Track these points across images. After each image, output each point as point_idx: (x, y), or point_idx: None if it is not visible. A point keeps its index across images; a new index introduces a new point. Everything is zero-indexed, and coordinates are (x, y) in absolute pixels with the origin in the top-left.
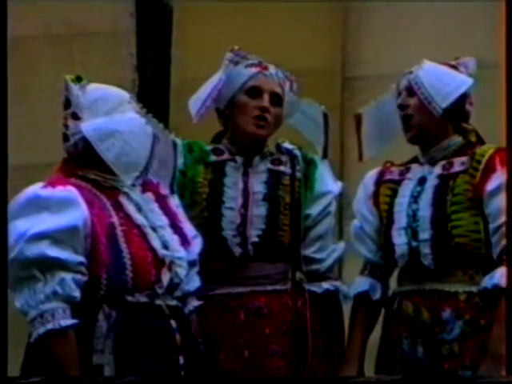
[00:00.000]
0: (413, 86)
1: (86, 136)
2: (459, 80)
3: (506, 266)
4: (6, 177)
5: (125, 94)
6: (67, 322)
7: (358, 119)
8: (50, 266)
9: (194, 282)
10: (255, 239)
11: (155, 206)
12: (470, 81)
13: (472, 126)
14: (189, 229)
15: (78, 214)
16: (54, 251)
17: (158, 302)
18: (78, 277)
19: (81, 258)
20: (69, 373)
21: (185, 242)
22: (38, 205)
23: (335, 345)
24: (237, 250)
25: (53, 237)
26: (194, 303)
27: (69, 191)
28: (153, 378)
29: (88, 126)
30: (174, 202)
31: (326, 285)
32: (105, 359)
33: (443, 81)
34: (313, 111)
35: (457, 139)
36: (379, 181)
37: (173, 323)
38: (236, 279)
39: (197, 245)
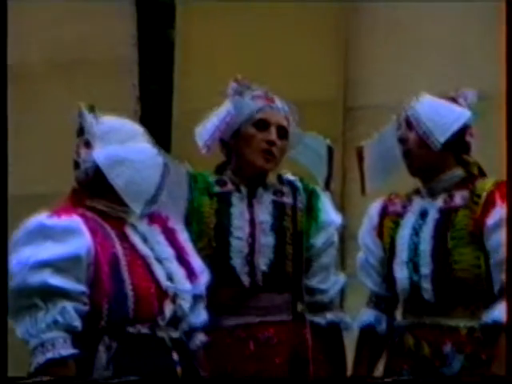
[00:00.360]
0: (411, 120)
1: (97, 163)
2: (457, 113)
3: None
4: (6, 202)
5: (139, 127)
6: (67, 351)
7: (360, 152)
8: (51, 294)
9: (201, 316)
10: (264, 268)
11: (162, 238)
12: (467, 113)
13: (473, 158)
14: (197, 262)
15: (82, 243)
16: (56, 280)
17: (161, 333)
18: (80, 306)
19: (83, 288)
20: None
21: (191, 275)
22: (42, 233)
23: (337, 375)
24: (246, 279)
25: (55, 265)
26: (200, 338)
27: (73, 220)
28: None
29: (100, 153)
30: (183, 235)
31: (330, 316)
32: None
33: (441, 114)
34: (317, 144)
35: (458, 171)
36: (383, 212)
37: (175, 356)
38: (245, 309)
39: (204, 279)
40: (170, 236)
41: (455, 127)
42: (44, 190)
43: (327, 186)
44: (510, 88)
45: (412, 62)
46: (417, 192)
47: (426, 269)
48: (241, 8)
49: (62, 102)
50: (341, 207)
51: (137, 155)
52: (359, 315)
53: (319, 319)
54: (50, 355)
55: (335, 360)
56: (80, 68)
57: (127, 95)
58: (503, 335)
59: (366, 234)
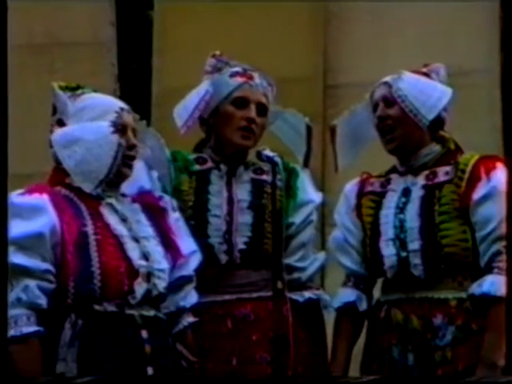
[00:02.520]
0: (395, 98)
1: (53, 143)
2: (440, 91)
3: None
4: (5, 202)
5: (116, 104)
6: (29, 329)
7: (333, 130)
8: (14, 272)
9: (191, 298)
10: (242, 246)
11: (142, 217)
12: (449, 91)
13: (448, 133)
14: (187, 244)
15: (46, 220)
16: (19, 258)
17: (130, 311)
18: (44, 284)
19: (47, 266)
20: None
21: (177, 255)
22: (11, 211)
23: (318, 352)
24: (223, 258)
25: (18, 243)
26: (189, 319)
27: (40, 199)
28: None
29: (58, 133)
30: (174, 215)
31: (307, 294)
32: (67, 368)
33: (426, 93)
34: (296, 121)
35: (435, 147)
36: (360, 193)
37: (144, 333)
38: (222, 287)
39: (194, 260)
40: (157, 216)
41: (441, 105)
42: (28, 170)
43: (306, 163)
44: (506, 85)
45: (393, 38)
46: (393, 170)
47: (414, 245)
48: None
49: (43, 84)
50: (321, 184)
51: (91, 134)
52: (338, 295)
53: (297, 297)
54: (12, 332)
55: (315, 338)
56: (60, 50)
57: (107, 75)
58: (494, 308)
59: (343, 214)
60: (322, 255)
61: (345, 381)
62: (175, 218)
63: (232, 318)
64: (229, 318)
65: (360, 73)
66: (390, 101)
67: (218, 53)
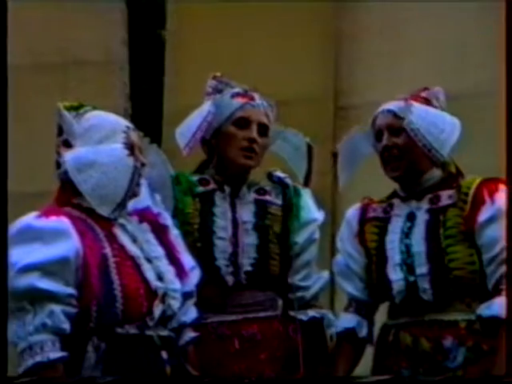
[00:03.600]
0: (407, 131)
1: (65, 167)
2: (450, 124)
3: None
4: (6, 203)
5: (122, 123)
6: (56, 354)
7: (335, 155)
8: (39, 297)
9: (191, 314)
10: (248, 268)
11: (151, 237)
12: (458, 124)
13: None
14: (186, 260)
15: (70, 245)
16: (44, 283)
17: (149, 332)
18: (68, 309)
19: (71, 290)
20: None
21: (181, 272)
22: (30, 235)
23: (320, 371)
24: (230, 279)
25: (43, 268)
26: (190, 334)
27: (62, 222)
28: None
29: (70, 155)
30: (173, 232)
31: (311, 312)
32: None
33: (438, 127)
34: (297, 140)
35: (436, 172)
36: (363, 218)
37: (164, 354)
38: (229, 307)
39: (194, 276)
40: (161, 233)
41: (453, 140)
42: (38, 189)
43: (306, 182)
44: (510, 90)
45: (403, 58)
46: (395, 195)
47: (422, 269)
48: (231, 8)
49: (55, 102)
50: (333, 203)
51: (106, 157)
52: (339, 320)
53: (301, 316)
54: (38, 358)
55: (318, 356)
56: (72, 68)
57: (118, 94)
58: (503, 333)
59: (346, 240)
60: (326, 274)
61: (348, 381)
62: (175, 235)
63: (239, 338)
64: (236, 338)
65: (371, 94)
66: (396, 129)
67: (218, 74)
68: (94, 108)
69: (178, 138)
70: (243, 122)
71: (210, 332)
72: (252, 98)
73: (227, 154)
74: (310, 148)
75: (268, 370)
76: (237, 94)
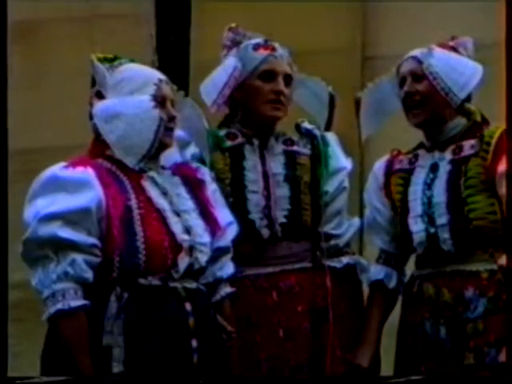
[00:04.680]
0: (425, 74)
1: (94, 117)
2: (471, 68)
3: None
4: (6, 203)
5: (154, 76)
6: (77, 302)
7: (357, 102)
8: (62, 246)
9: (228, 269)
10: (283, 220)
11: (182, 191)
12: (480, 69)
13: (473, 106)
14: (223, 215)
15: (93, 195)
16: (65, 232)
17: (173, 284)
18: (91, 258)
19: (93, 240)
20: (76, 353)
21: (215, 227)
22: (55, 185)
23: (357, 317)
24: (265, 232)
25: (65, 218)
26: (226, 290)
27: (86, 173)
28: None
29: (98, 106)
30: (211, 187)
31: (345, 259)
32: (114, 340)
33: (457, 70)
34: (319, 89)
35: (461, 120)
36: (389, 171)
37: (187, 306)
38: (265, 259)
39: (231, 232)
40: (195, 188)
41: (473, 84)
42: (69, 143)
43: (327, 129)
44: (509, 90)
45: (425, 12)
46: (421, 146)
47: (442, 219)
48: None
49: (83, 56)
50: (360, 153)
51: (132, 109)
52: (370, 271)
53: (335, 263)
54: (59, 306)
55: (354, 303)
56: (99, 21)
57: (145, 46)
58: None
59: (372, 193)
60: (356, 221)
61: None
62: (212, 190)
63: (277, 290)
64: (274, 291)
65: (398, 45)
66: (418, 75)
67: (233, 25)
68: (131, 60)
69: (204, 94)
70: (269, 75)
71: (247, 285)
72: (274, 49)
73: (255, 108)
74: (331, 97)
75: (305, 322)
76: (258, 46)
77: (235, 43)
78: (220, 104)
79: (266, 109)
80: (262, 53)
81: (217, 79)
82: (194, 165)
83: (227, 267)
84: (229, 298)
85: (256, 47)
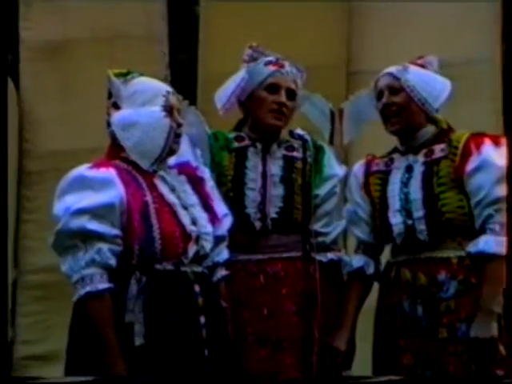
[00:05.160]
0: (402, 87)
1: (112, 125)
2: (441, 83)
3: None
4: (5, 203)
5: (162, 88)
6: (103, 285)
7: (341, 111)
8: (89, 237)
9: (223, 255)
10: (274, 215)
11: (188, 188)
12: (449, 84)
13: (447, 115)
14: (220, 208)
15: (116, 193)
16: (93, 225)
17: (184, 269)
18: (114, 247)
19: (116, 231)
20: (102, 329)
21: (214, 219)
22: (82, 183)
23: (338, 306)
24: (258, 225)
25: (93, 212)
26: (222, 272)
27: (109, 173)
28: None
29: (116, 116)
30: (209, 183)
31: (330, 255)
32: (135, 317)
33: (430, 84)
34: (322, 105)
35: (430, 128)
36: (367, 172)
37: (196, 287)
38: (257, 248)
39: (227, 222)
40: (197, 184)
41: (444, 96)
42: (92, 145)
43: (331, 140)
44: (507, 84)
45: (405, 30)
46: (395, 151)
47: (419, 213)
48: None
49: (105, 70)
50: (344, 157)
51: (146, 119)
52: (349, 259)
53: (321, 257)
54: (88, 288)
55: (336, 293)
56: (119, 41)
57: (159, 63)
58: (489, 264)
59: (353, 191)
60: (343, 222)
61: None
62: (211, 186)
63: (264, 275)
64: (262, 274)
65: (377, 62)
66: (395, 89)
67: (254, 44)
68: (141, 74)
69: (216, 100)
70: (273, 88)
71: (239, 269)
72: (282, 66)
73: (259, 115)
74: (331, 112)
75: (288, 303)
76: (269, 62)
77: (253, 59)
78: (227, 109)
79: (268, 117)
80: (270, 68)
81: (227, 88)
82: (194, 164)
83: (223, 253)
84: (224, 280)
85: (267, 63)
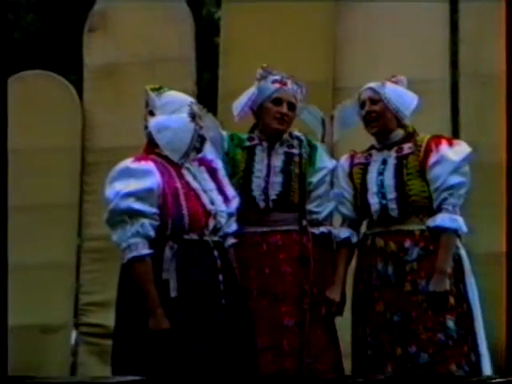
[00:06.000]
0: (381, 99)
1: (149, 129)
2: (411, 97)
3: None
4: (5, 204)
5: (187, 99)
6: (145, 251)
7: (332, 117)
8: (134, 214)
9: (233, 227)
10: (274, 197)
11: (206, 176)
12: (416, 98)
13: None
14: (230, 191)
15: (154, 180)
16: (137, 205)
17: (206, 238)
18: (153, 222)
19: (155, 210)
20: (145, 285)
21: (226, 200)
22: (128, 173)
23: (329, 270)
24: (262, 204)
25: (137, 195)
26: (231, 240)
27: (148, 165)
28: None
29: (152, 121)
30: (221, 173)
31: (322, 228)
32: (170, 275)
33: (403, 97)
34: (316, 113)
35: (400, 131)
36: (351, 164)
37: (215, 252)
38: (260, 223)
39: (235, 202)
40: (213, 173)
41: (413, 106)
42: (135, 143)
43: (322, 140)
44: (510, 90)
45: (382, 55)
46: (372, 148)
47: (391, 196)
48: (263, 13)
49: (143, 94)
50: (332, 155)
51: (176, 123)
52: (337, 231)
53: (314, 230)
54: (134, 254)
55: (327, 258)
56: (158, 64)
57: (188, 80)
58: (443, 236)
59: (341, 178)
60: (332, 203)
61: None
62: (223, 175)
63: (267, 243)
64: (264, 243)
65: (359, 79)
66: (375, 100)
67: (264, 65)
68: (170, 89)
69: (233, 109)
70: (277, 101)
71: (246, 239)
72: (285, 84)
73: (266, 121)
74: (323, 120)
75: (285, 265)
76: (275, 81)
77: (263, 77)
78: (242, 116)
79: (273, 123)
80: (276, 86)
81: (241, 99)
82: (210, 157)
83: (233, 226)
84: (233, 246)
85: (273, 81)
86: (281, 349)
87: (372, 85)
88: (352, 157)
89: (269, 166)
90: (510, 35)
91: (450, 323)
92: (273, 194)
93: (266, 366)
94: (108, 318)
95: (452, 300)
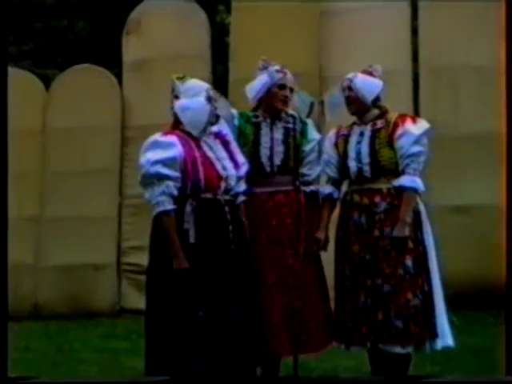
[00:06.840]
0: (352, 87)
1: (174, 110)
2: (376, 85)
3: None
4: (5, 206)
5: (205, 85)
6: (171, 207)
7: (322, 102)
8: (161, 178)
9: (242, 187)
10: (278, 163)
11: (220, 147)
12: (381, 84)
13: (382, 104)
14: (240, 159)
15: (177, 151)
16: (164, 170)
17: (218, 197)
18: (177, 184)
19: (178, 174)
20: (170, 233)
21: (237, 166)
22: (156, 145)
23: (316, 218)
24: (268, 169)
25: (164, 162)
26: (241, 198)
27: (173, 138)
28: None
29: (177, 104)
30: (233, 144)
31: (312, 187)
32: (190, 225)
33: (368, 85)
34: (305, 98)
35: (375, 111)
36: (337, 136)
37: (226, 208)
38: (267, 184)
39: (244, 167)
40: (226, 145)
41: (375, 93)
42: (164, 121)
43: (308, 117)
44: (510, 81)
45: (362, 48)
46: (354, 124)
47: (365, 160)
48: (270, 12)
49: (171, 77)
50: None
51: (196, 105)
52: (323, 189)
53: (306, 188)
54: (161, 208)
55: (315, 210)
56: (180, 59)
57: (205, 72)
58: (404, 193)
59: (328, 147)
60: (320, 167)
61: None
62: (234, 146)
63: (272, 201)
64: (270, 201)
65: (342, 69)
66: (350, 88)
67: (264, 57)
68: (191, 77)
69: (248, 92)
70: (282, 86)
71: (255, 197)
72: (286, 73)
73: (273, 102)
74: (311, 103)
75: (287, 218)
76: (279, 71)
77: (264, 67)
78: (256, 100)
79: (279, 104)
80: (280, 74)
81: (255, 85)
82: (224, 132)
83: (242, 186)
84: (243, 203)
85: (278, 71)
86: (286, 283)
87: (349, 75)
88: (338, 130)
89: (272, 139)
90: (511, 35)
91: (409, 262)
92: (277, 160)
93: (275, 297)
94: (143, 259)
95: (411, 244)
